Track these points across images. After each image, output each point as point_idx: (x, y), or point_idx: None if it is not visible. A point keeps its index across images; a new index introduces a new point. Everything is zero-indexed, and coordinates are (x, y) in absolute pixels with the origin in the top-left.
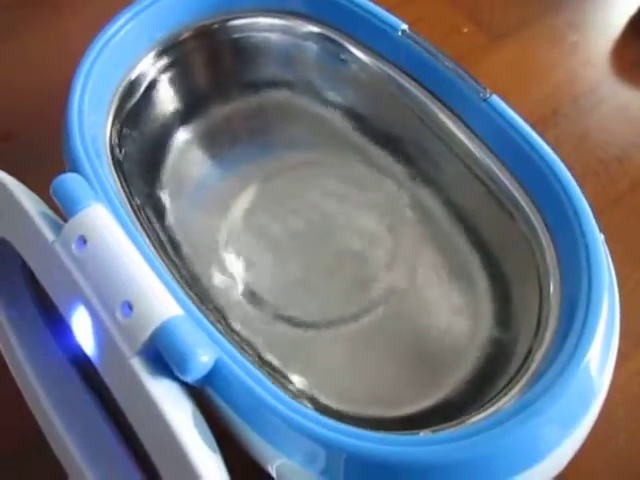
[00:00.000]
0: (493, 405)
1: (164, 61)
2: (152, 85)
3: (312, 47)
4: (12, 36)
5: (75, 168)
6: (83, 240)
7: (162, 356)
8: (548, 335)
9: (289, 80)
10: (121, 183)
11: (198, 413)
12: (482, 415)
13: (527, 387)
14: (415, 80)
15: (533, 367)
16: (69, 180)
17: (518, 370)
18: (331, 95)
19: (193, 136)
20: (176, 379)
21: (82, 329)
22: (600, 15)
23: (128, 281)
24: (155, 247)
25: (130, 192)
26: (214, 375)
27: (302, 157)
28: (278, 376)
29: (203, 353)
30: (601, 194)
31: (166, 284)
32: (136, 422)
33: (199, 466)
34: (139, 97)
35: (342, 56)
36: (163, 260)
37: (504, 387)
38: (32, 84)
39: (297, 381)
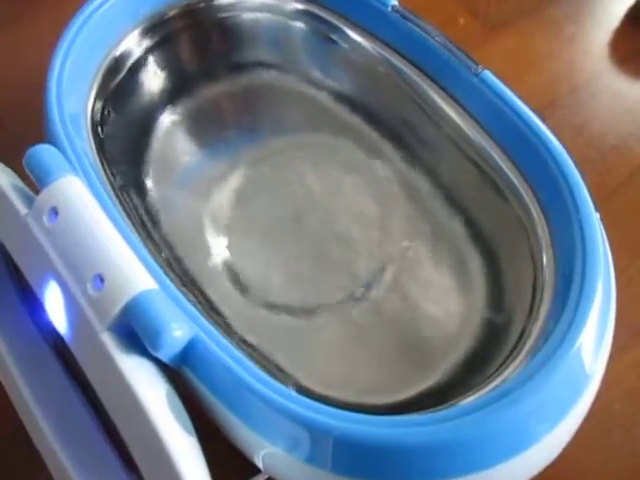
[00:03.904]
0: (484, 387)
1: (149, 40)
2: (137, 64)
3: (301, 26)
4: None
5: (52, 142)
6: (55, 212)
7: (135, 333)
8: (542, 316)
9: (277, 61)
10: (102, 161)
11: (173, 393)
12: (472, 397)
13: (520, 370)
14: (406, 58)
15: (526, 348)
16: (43, 151)
17: (511, 352)
18: (320, 76)
19: (179, 117)
20: (151, 357)
21: (54, 305)
22: (598, 6)
23: (100, 253)
24: (135, 225)
25: (111, 171)
26: (190, 353)
27: (291, 140)
28: (262, 359)
29: (177, 328)
30: (599, 184)
31: (143, 260)
32: (107, 401)
33: (171, 446)
34: (124, 75)
35: (331, 35)
36: (142, 239)
37: (496, 370)
38: (21, 74)
39: (283, 365)
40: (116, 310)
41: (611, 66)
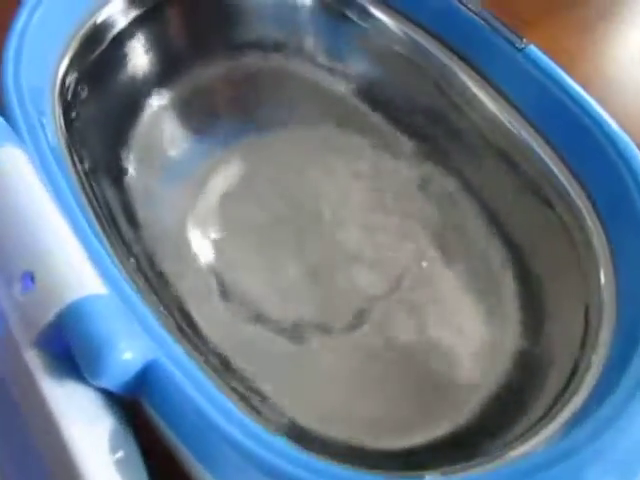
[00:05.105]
0: (525, 442)
1: (137, 8)
2: (122, 35)
3: (309, 1)
4: None
5: (4, 113)
6: None
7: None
8: (602, 346)
9: (281, 41)
10: (69, 141)
11: (122, 435)
12: (510, 456)
13: (573, 421)
14: (433, 35)
15: (585, 387)
16: None
17: (558, 396)
18: (330, 59)
19: (167, 101)
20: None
21: None
22: (633, 6)
23: (33, 246)
24: (99, 218)
25: (78, 154)
26: (148, 381)
27: (294, 133)
28: (244, 388)
29: (126, 348)
30: None
31: (95, 258)
32: (34, 435)
33: None
34: (105, 47)
35: (347, 11)
36: (106, 234)
37: (540, 418)
38: None
39: (271, 395)
40: (46, 320)
41: None
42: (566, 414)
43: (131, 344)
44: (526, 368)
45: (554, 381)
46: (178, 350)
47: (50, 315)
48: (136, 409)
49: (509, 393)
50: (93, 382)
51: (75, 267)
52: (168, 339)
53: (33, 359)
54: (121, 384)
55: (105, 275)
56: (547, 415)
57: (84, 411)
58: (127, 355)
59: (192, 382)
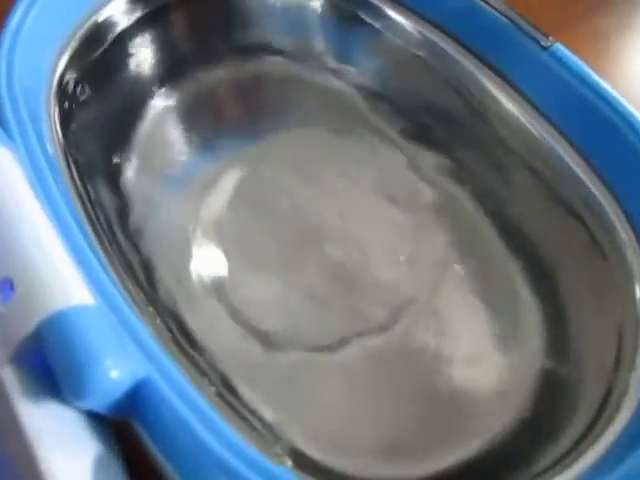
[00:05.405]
0: (555, 475)
1: (141, 9)
2: (124, 35)
3: (319, 2)
4: None
5: None
6: None
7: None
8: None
9: (289, 44)
10: (65, 143)
11: (107, 468)
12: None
13: (613, 447)
14: (451, 36)
15: (619, 420)
16: None
17: (592, 422)
18: (341, 63)
19: (170, 104)
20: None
21: None
22: None
23: (13, 250)
24: (92, 223)
25: (75, 156)
26: (138, 402)
27: (303, 140)
28: (246, 409)
29: (113, 365)
30: None
31: (86, 265)
32: (13, 463)
33: None
34: (107, 47)
35: (358, 12)
36: (99, 238)
37: (572, 448)
38: None
39: (274, 419)
40: (24, 332)
41: None
42: (603, 443)
43: (119, 361)
44: (553, 390)
45: (585, 406)
46: (173, 367)
47: (29, 327)
48: (126, 430)
49: (535, 417)
50: (75, 404)
51: (60, 274)
52: (163, 355)
53: (9, 376)
54: (108, 405)
55: (95, 284)
56: (579, 445)
57: (65, 438)
58: (114, 373)
59: (187, 403)
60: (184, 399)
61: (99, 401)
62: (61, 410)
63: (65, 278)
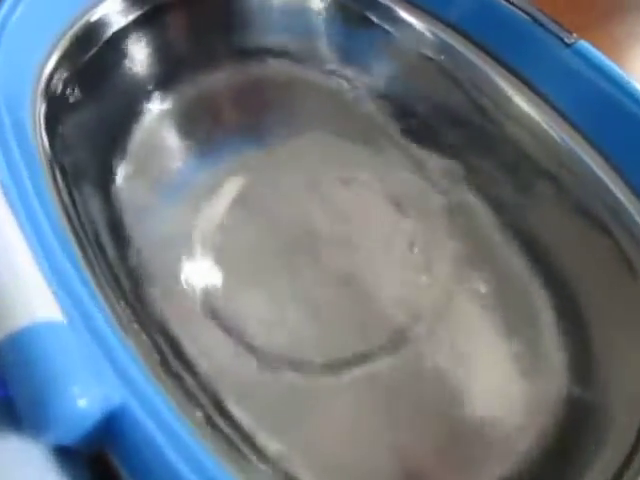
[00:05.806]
0: None
1: (137, 8)
2: (119, 36)
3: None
4: None
5: None
6: None
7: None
8: None
9: (292, 47)
10: (50, 146)
11: None
12: None
13: None
14: (464, 35)
15: None
16: None
17: (629, 455)
18: (346, 65)
19: (166, 108)
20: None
21: None
22: None
23: None
24: (75, 232)
25: (59, 160)
26: (113, 433)
27: (305, 146)
28: (238, 436)
29: (82, 393)
30: None
31: (59, 276)
32: None
33: None
34: (99, 48)
35: (366, 12)
36: (82, 248)
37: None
38: None
39: (266, 446)
40: None
41: None
42: None
43: (89, 387)
44: (578, 418)
45: (618, 438)
46: (154, 391)
47: None
48: (102, 459)
49: (560, 446)
50: (39, 438)
51: (24, 287)
52: (143, 377)
53: None
54: (77, 438)
55: (70, 298)
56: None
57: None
58: (82, 402)
59: (167, 432)
60: (163, 428)
61: (66, 434)
62: (23, 446)
63: (30, 292)
